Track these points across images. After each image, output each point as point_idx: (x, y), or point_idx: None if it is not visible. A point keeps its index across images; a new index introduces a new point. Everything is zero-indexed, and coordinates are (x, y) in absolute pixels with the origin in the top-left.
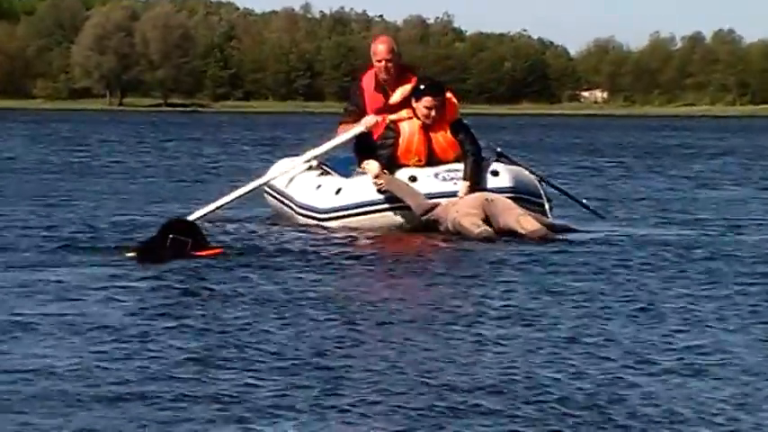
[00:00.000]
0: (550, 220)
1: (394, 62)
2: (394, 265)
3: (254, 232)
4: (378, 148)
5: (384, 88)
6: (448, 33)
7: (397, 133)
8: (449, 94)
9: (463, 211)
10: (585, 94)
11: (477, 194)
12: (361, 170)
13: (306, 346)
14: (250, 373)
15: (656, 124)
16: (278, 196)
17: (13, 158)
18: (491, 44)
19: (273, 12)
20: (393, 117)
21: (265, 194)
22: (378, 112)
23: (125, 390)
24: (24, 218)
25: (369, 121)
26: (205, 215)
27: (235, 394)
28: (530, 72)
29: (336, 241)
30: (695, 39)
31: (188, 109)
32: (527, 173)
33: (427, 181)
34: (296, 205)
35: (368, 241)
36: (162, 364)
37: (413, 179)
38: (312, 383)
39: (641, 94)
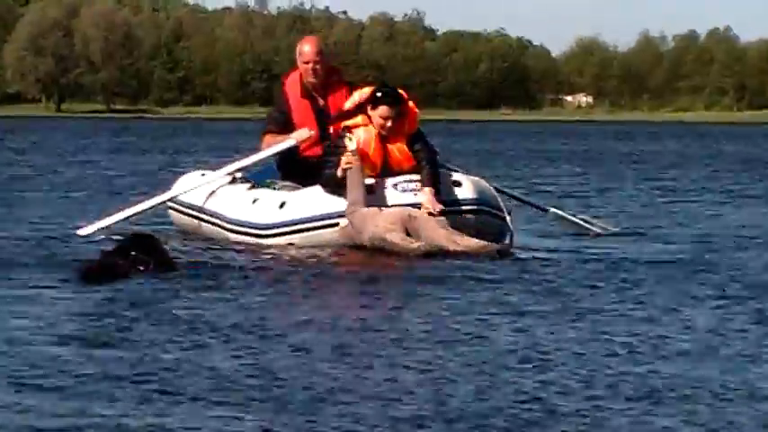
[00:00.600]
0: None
1: (322, 64)
2: (350, 284)
3: (199, 249)
4: (330, 155)
5: (311, 93)
6: (417, 32)
7: None
8: (410, 104)
9: (383, 225)
10: (569, 98)
11: (398, 209)
12: (283, 184)
13: (257, 373)
14: (198, 405)
15: (643, 131)
16: (194, 212)
17: None
18: (465, 44)
19: (226, 8)
20: (349, 123)
21: (173, 211)
22: (330, 118)
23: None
24: None
25: (301, 134)
26: (100, 229)
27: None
28: (507, 74)
29: (284, 258)
30: (688, 38)
31: (133, 115)
32: (487, 183)
33: (385, 192)
34: (226, 221)
35: (313, 259)
36: (97, 397)
37: (369, 190)
38: (260, 414)
39: (629, 98)
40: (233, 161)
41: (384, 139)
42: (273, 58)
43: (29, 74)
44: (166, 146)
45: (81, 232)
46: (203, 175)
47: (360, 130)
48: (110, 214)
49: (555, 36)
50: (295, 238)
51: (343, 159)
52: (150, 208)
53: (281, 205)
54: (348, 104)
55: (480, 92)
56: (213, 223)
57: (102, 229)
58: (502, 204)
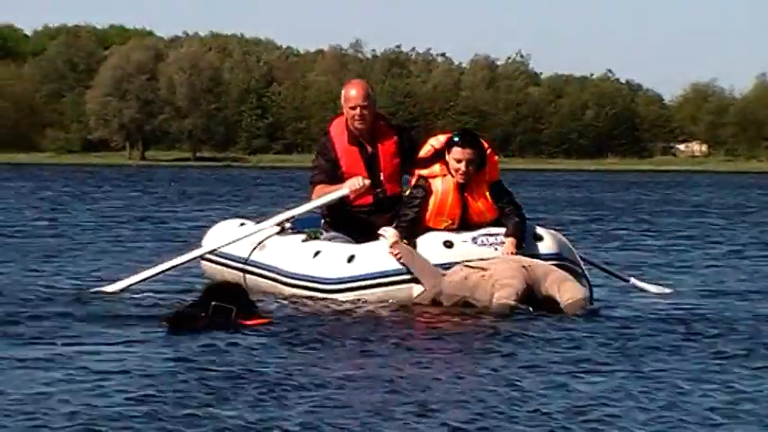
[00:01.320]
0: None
1: (370, 109)
2: (430, 342)
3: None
4: (404, 206)
5: (358, 139)
6: (520, 76)
7: (429, 191)
8: (489, 151)
9: (503, 281)
10: (681, 146)
11: (514, 258)
12: (331, 234)
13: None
14: None
15: (760, 181)
16: (239, 264)
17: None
18: (571, 89)
19: (319, 51)
20: (424, 172)
21: (209, 263)
22: (395, 165)
23: None
24: (30, 280)
25: (355, 183)
26: (131, 285)
27: None
28: (616, 121)
29: (358, 315)
30: None
31: (220, 164)
32: (564, 238)
33: (464, 246)
34: (282, 275)
35: (395, 316)
36: None
37: (448, 245)
38: None
39: (746, 146)
40: (274, 213)
41: (463, 188)
42: None
43: (112, 120)
44: (255, 194)
45: (107, 289)
46: (243, 224)
47: (437, 180)
48: (138, 271)
49: (667, 80)
50: (366, 294)
51: (390, 253)
52: (185, 263)
53: (350, 259)
54: (424, 152)
55: (587, 140)
56: (266, 277)
57: (130, 286)
58: (579, 259)
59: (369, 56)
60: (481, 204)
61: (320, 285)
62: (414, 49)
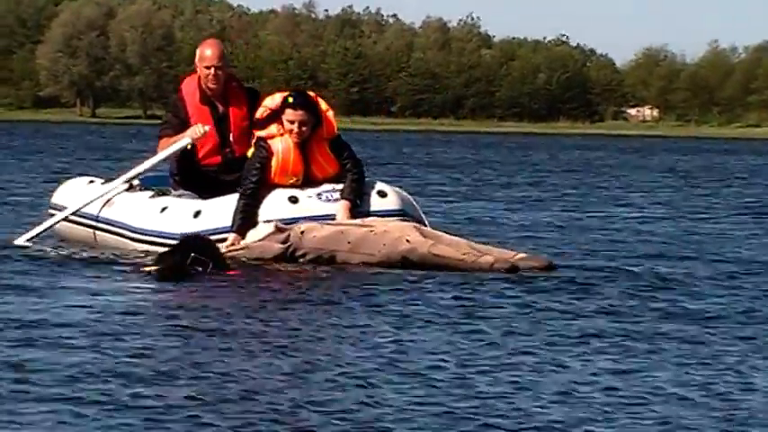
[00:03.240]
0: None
1: (223, 70)
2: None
3: None
4: (247, 169)
5: (210, 99)
6: (473, 39)
7: (269, 152)
8: (324, 108)
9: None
10: (632, 111)
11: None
12: (180, 192)
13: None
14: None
15: (712, 147)
16: (91, 222)
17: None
18: (523, 52)
19: (272, 11)
20: (261, 134)
21: (56, 220)
22: (238, 130)
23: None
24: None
25: (196, 131)
26: (32, 238)
27: None
28: (568, 85)
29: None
30: (761, 49)
31: None
32: (407, 194)
33: (308, 202)
34: (132, 231)
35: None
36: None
37: (293, 200)
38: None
39: (697, 112)
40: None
41: (302, 147)
42: (320, 63)
43: (63, 76)
44: None
45: (17, 242)
46: (92, 182)
47: (276, 140)
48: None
49: (619, 45)
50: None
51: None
52: (58, 222)
53: (196, 214)
54: (259, 113)
55: (538, 103)
56: (114, 233)
57: (35, 237)
58: (423, 215)
59: (321, 16)
60: (323, 161)
61: (167, 240)
62: (367, 9)
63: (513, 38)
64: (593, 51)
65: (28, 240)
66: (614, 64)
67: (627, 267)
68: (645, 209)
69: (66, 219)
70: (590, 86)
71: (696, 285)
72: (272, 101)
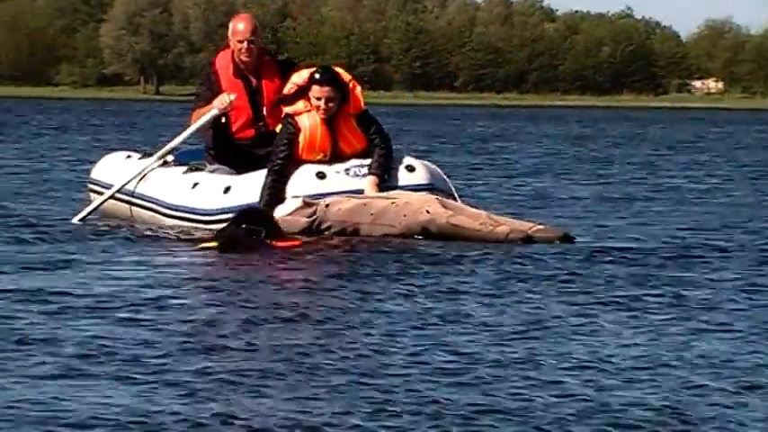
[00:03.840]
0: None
1: (256, 43)
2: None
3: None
4: (275, 146)
5: (243, 73)
6: (535, 13)
7: (297, 128)
8: (351, 83)
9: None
10: (697, 84)
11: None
12: (214, 167)
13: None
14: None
15: None
16: (127, 197)
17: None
18: (587, 26)
19: None
20: (289, 110)
21: (96, 195)
22: (272, 104)
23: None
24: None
25: (223, 100)
26: (89, 213)
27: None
28: (632, 58)
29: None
30: None
31: None
32: (437, 168)
33: (336, 177)
34: (164, 207)
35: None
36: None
37: (320, 176)
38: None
39: (763, 84)
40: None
41: (329, 122)
42: (382, 39)
43: (126, 54)
44: None
45: (74, 220)
46: (129, 157)
47: (303, 117)
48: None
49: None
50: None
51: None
52: (107, 199)
53: (226, 190)
54: (287, 89)
55: (602, 76)
56: (149, 209)
57: (91, 212)
58: (453, 189)
59: None
60: (350, 136)
61: (197, 216)
62: None
63: (576, 11)
64: (657, 24)
65: (80, 220)
66: (678, 36)
67: (674, 241)
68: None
69: (113, 196)
70: (654, 59)
71: (742, 257)
72: (299, 77)
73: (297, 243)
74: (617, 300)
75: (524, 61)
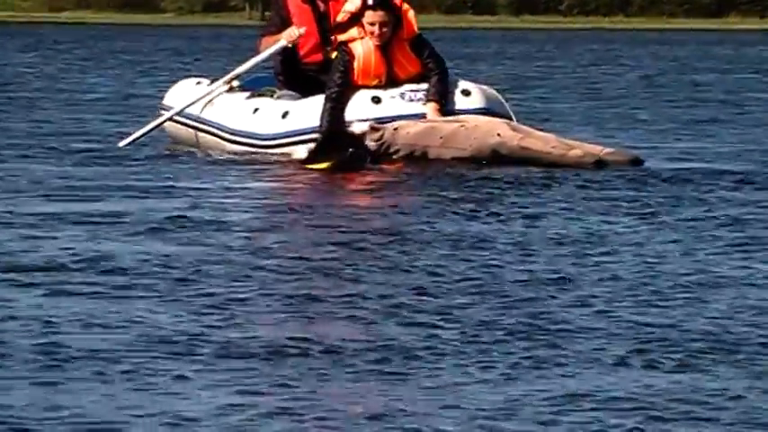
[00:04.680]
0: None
1: None
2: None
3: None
4: (331, 73)
5: None
6: None
7: (351, 55)
8: (404, 7)
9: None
10: None
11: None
12: (283, 92)
13: None
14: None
15: None
16: (192, 122)
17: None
18: None
19: None
20: (342, 37)
21: (169, 121)
22: (323, 32)
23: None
24: None
25: (291, 33)
26: (135, 139)
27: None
28: None
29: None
30: None
31: None
32: (495, 91)
33: (392, 102)
34: (226, 132)
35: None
36: None
37: (376, 100)
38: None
39: None
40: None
41: (384, 48)
42: None
43: None
44: None
45: (121, 144)
46: (199, 83)
47: (356, 44)
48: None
49: None
50: (299, 149)
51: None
52: (166, 120)
53: (284, 115)
54: (340, 17)
55: None
56: (212, 134)
57: (138, 138)
58: (510, 111)
59: None
60: (404, 61)
61: (256, 141)
62: None
63: None
64: None
65: (128, 144)
66: None
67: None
68: None
69: (170, 119)
70: None
71: None
72: (352, 4)
73: (399, 165)
74: (681, 221)
75: None
